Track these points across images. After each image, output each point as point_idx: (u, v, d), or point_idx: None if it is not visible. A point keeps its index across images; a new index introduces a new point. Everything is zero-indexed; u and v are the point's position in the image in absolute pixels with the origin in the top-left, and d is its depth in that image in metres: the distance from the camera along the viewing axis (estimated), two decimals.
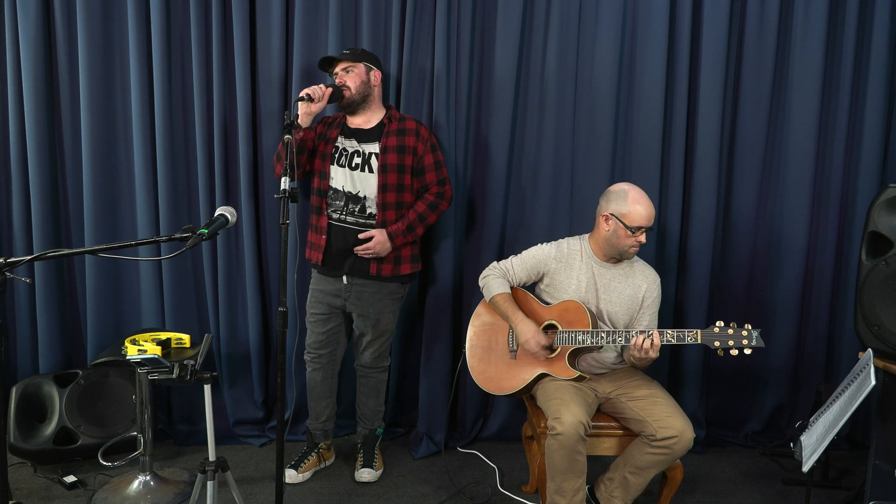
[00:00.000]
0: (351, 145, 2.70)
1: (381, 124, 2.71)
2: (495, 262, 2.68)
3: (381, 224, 2.68)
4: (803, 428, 2.33)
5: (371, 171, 2.67)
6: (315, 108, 2.54)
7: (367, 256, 2.67)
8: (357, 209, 2.68)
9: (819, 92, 3.04)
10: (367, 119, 2.72)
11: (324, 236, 2.71)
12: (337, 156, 2.71)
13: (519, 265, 2.62)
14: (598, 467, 2.59)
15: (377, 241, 2.64)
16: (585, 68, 3.03)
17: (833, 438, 2.03)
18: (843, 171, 3.11)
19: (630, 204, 2.43)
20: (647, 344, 2.30)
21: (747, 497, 2.80)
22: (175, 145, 3.00)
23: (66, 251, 1.85)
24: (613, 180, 3.03)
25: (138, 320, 3.12)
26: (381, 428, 2.99)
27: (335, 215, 2.70)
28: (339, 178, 2.69)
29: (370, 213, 2.68)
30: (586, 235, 2.61)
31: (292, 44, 2.97)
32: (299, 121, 2.54)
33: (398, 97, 2.99)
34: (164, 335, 2.78)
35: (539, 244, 2.63)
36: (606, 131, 3.03)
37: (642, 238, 2.45)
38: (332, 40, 2.93)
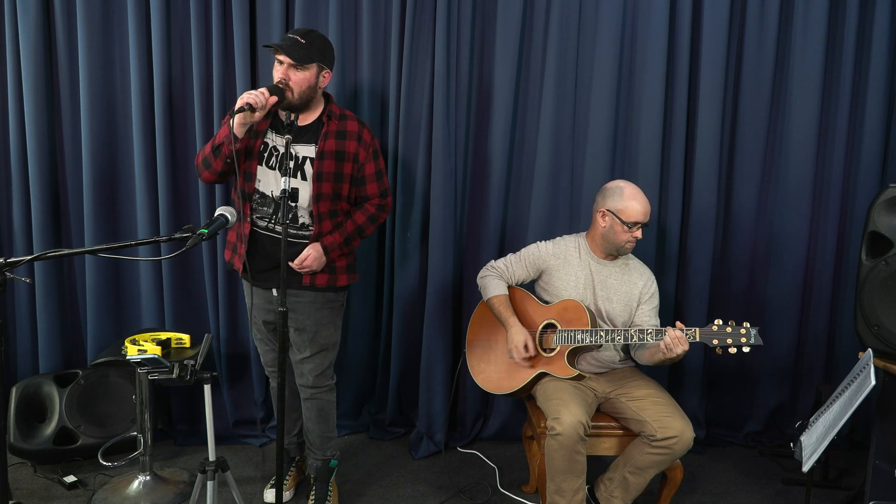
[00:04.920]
0: (283, 144, 2.35)
1: (318, 122, 2.37)
2: (493, 262, 2.68)
3: (317, 235, 2.38)
4: (803, 428, 2.32)
5: (304, 178, 2.35)
6: (256, 117, 2.19)
7: (301, 272, 2.39)
8: (289, 218, 2.32)
9: (819, 92, 3.04)
10: (304, 115, 2.37)
11: (244, 245, 2.39)
12: (266, 155, 2.36)
13: (517, 263, 2.62)
14: (598, 467, 2.59)
15: (312, 258, 2.35)
16: (585, 68, 3.03)
17: (833, 438, 2.03)
18: (843, 171, 3.11)
19: (626, 200, 2.45)
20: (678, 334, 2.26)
21: (747, 497, 2.80)
22: (175, 145, 3.00)
23: (66, 251, 1.85)
24: (613, 180, 3.03)
25: (138, 320, 3.12)
26: (336, 459, 2.65)
27: (262, 223, 2.39)
28: (269, 182, 2.36)
29: (303, 224, 2.38)
30: (583, 233, 2.63)
31: None
32: (235, 132, 2.19)
33: (398, 97, 2.98)
34: (164, 335, 2.78)
35: (537, 242, 2.64)
36: (606, 131, 3.03)
37: (638, 234, 2.48)
38: (331, 40, 2.91)
